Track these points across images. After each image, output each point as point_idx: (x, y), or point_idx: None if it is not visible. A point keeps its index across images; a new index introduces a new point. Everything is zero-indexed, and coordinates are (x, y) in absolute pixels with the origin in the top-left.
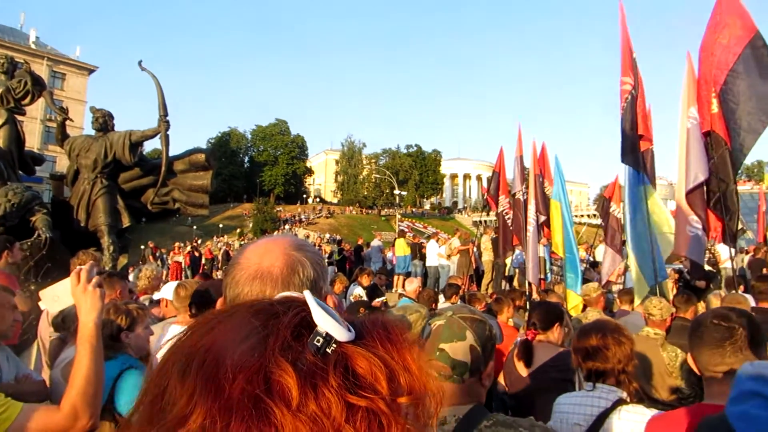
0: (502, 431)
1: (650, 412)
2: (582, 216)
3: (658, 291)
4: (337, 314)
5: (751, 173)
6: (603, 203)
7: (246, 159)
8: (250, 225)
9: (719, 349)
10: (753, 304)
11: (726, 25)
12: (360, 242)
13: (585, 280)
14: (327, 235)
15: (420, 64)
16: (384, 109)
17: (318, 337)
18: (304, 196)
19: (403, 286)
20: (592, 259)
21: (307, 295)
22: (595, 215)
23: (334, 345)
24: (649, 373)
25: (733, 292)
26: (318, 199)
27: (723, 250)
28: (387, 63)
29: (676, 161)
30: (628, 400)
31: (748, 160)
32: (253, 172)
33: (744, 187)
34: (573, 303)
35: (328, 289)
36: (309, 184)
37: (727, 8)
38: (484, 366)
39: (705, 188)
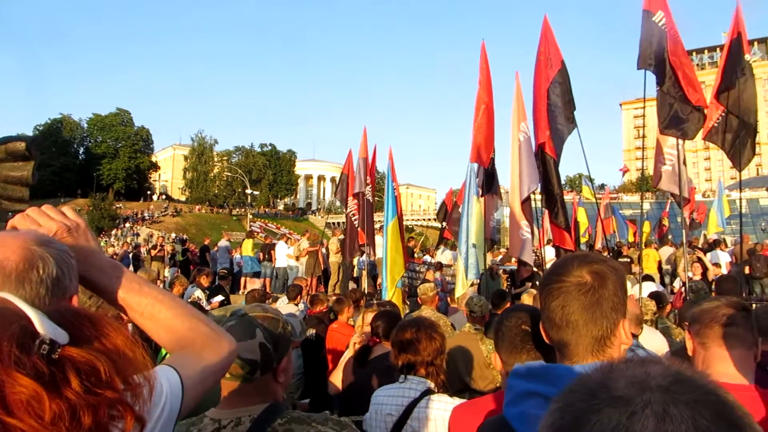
0: (295, 428)
1: (454, 401)
2: (429, 220)
3: (481, 287)
4: (46, 316)
5: (573, 185)
6: (443, 209)
7: (81, 150)
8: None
9: (537, 355)
10: None
11: (547, 51)
12: (206, 242)
13: (425, 281)
14: (173, 235)
15: (277, 61)
16: (238, 106)
17: (44, 345)
18: (149, 192)
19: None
20: (432, 260)
21: (16, 300)
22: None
23: (59, 349)
24: (470, 366)
25: None
26: (164, 197)
27: (549, 252)
28: (242, 58)
29: (509, 171)
30: (436, 390)
31: (571, 172)
32: (90, 165)
33: (566, 198)
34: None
35: (74, 290)
36: (154, 180)
37: (547, 38)
38: (276, 362)
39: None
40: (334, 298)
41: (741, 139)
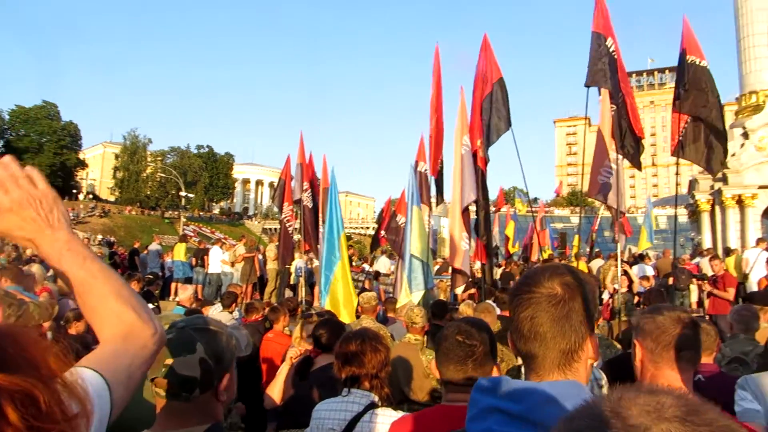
0: None
1: (398, 415)
2: (368, 228)
3: (421, 299)
4: None
5: (509, 198)
6: (381, 217)
7: (1, 143)
8: None
9: (463, 366)
10: (499, 312)
11: (484, 69)
12: (136, 245)
13: (364, 290)
14: (99, 237)
15: (216, 63)
16: (174, 106)
17: None
18: (75, 191)
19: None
20: (370, 269)
21: None
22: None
23: None
24: (410, 376)
25: (486, 301)
26: (91, 196)
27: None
28: (181, 58)
29: (450, 182)
30: (380, 404)
31: (507, 186)
32: None
33: (501, 210)
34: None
35: None
36: (81, 179)
37: (486, 55)
38: (218, 380)
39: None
40: (268, 306)
41: (712, 145)
